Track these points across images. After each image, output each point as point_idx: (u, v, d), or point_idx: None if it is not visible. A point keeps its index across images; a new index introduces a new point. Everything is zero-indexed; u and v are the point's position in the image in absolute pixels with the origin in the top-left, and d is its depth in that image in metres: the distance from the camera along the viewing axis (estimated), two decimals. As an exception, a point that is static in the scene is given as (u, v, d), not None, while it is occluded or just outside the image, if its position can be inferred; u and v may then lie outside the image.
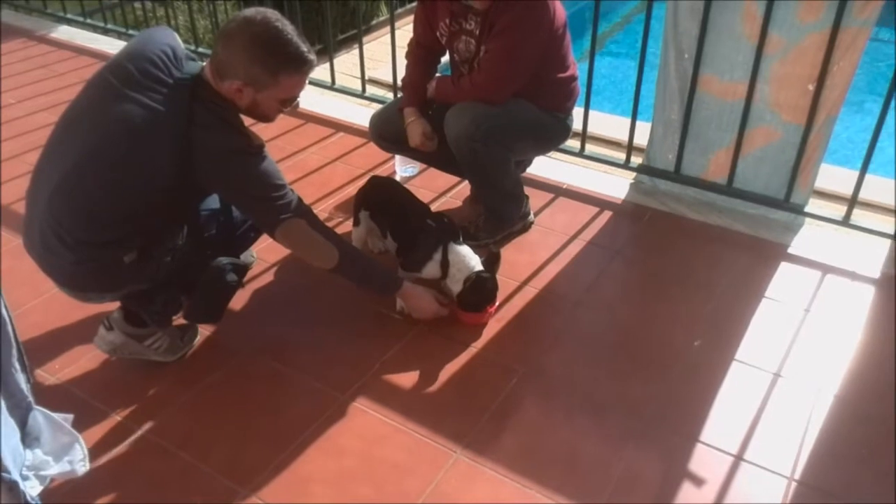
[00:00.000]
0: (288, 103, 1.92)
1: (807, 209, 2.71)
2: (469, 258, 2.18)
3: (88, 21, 4.58)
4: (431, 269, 2.20)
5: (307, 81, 1.92)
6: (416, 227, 2.24)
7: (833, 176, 3.03)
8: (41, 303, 2.31)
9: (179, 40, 1.92)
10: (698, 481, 1.78)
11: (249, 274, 2.38)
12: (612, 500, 1.73)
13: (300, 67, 1.84)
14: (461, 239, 2.24)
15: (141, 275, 1.92)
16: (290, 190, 1.93)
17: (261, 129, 2.99)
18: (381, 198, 2.38)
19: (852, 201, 2.63)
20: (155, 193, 1.83)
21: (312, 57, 1.85)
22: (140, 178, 1.80)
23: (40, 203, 1.86)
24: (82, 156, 1.81)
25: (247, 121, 1.91)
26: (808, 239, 2.65)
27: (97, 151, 1.80)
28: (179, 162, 1.78)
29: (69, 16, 4.65)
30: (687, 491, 1.76)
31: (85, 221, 1.82)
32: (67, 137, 1.87)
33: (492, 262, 2.21)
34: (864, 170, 2.54)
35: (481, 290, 2.18)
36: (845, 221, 2.66)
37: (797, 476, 1.79)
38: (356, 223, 2.40)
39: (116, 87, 1.81)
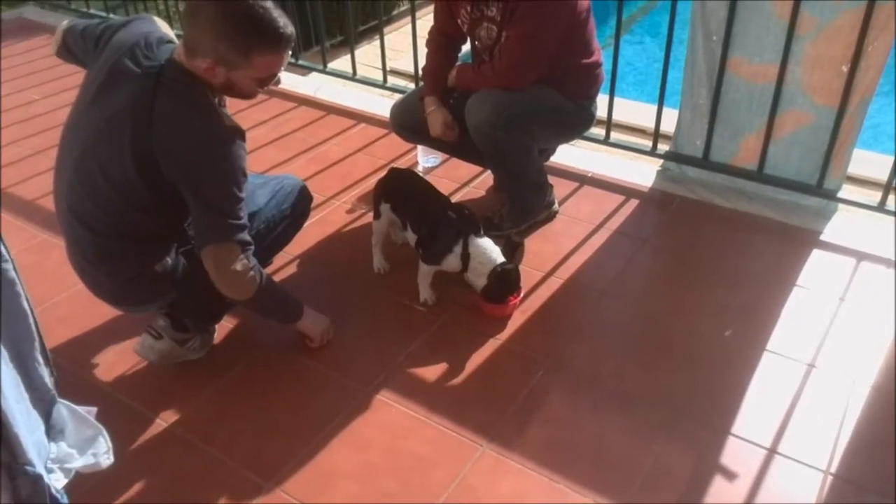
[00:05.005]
0: (266, 82, 1.77)
1: (840, 195, 2.63)
2: (490, 251, 2.15)
3: (112, 16, 4.60)
4: (452, 262, 2.17)
5: (287, 58, 1.75)
6: (436, 219, 2.21)
7: (867, 161, 2.94)
8: (66, 298, 2.32)
9: (159, 25, 1.85)
10: (730, 475, 1.74)
11: (272, 266, 2.37)
12: (640, 494, 1.70)
13: (274, 46, 1.68)
14: (482, 231, 2.20)
15: (168, 282, 1.90)
16: (244, 206, 1.77)
17: (280, 122, 2.98)
18: (401, 190, 2.35)
19: (887, 186, 2.55)
20: (137, 198, 1.76)
21: (289, 31, 1.68)
22: (115, 184, 1.74)
23: (62, 223, 1.88)
24: (71, 173, 1.80)
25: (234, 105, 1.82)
26: (842, 225, 2.58)
27: (79, 168, 1.78)
28: (141, 156, 1.69)
29: (92, 11, 4.68)
30: (718, 485, 1.71)
31: (90, 236, 1.82)
32: (62, 155, 1.87)
33: (512, 250, 2.18)
34: (900, 154, 2.47)
35: (507, 281, 2.15)
36: (880, 207, 2.58)
37: (833, 470, 1.74)
38: (377, 216, 2.38)
39: (92, 92, 1.77)
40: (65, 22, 2.02)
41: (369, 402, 1.96)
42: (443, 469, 1.77)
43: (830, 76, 2.43)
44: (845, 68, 2.39)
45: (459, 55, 2.56)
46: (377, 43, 3.65)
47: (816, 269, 2.39)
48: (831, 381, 1.97)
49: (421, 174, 2.69)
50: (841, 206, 2.65)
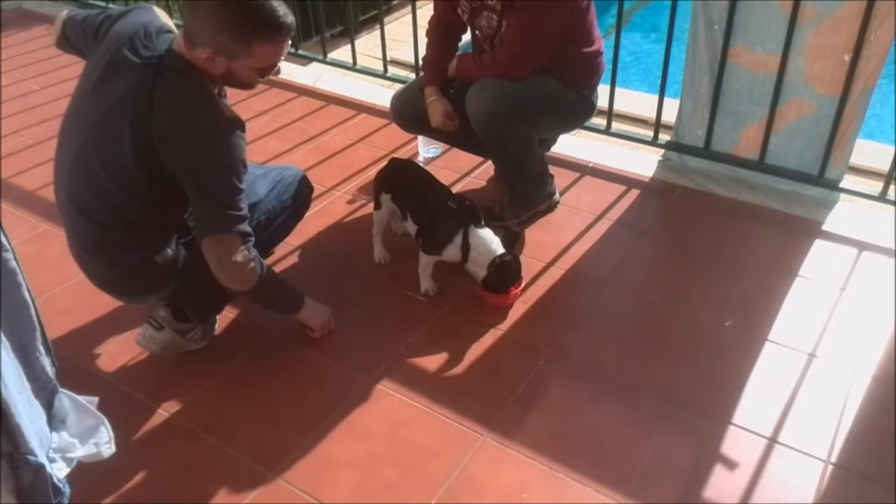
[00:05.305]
0: (267, 72, 1.76)
1: (842, 185, 2.63)
2: (490, 241, 2.15)
3: (111, 6, 4.58)
4: (452, 253, 2.17)
5: (287, 48, 1.75)
6: (437, 210, 2.21)
7: (868, 150, 2.93)
8: (67, 288, 2.32)
9: (158, 15, 1.84)
10: (731, 465, 1.74)
11: (273, 257, 2.37)
12: (641, 483, 1.70)
13: (275, 35, 1.68)
14: (482, 222, 2.20)
15: (169, 272, 1.90)
16: (244, 197, 1.76)
17: (280, 113, 2.97)
18: (401, 180, 2.35)
19: (889, 176, 2.54)
20: (137, 189, 1.75)
21: (289, 21, 1.68)
22: (114, 174, 1.74)
23: (62, 213, 1.88)
24: (71, 164, 1.79)
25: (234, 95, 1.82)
26: (843, 215, 2.58)
27: (78, 158, 1.78)
28: (141, 147, 1.69)
29: (91, 0, 4.66)
30: (719, 475, 1.72)
31: (90, 226, 1.82)
32: (62, 145, 1.86)
33: (511, 240, 2.18)
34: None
35: (506, 273, 2.15)
36: (882, 197, 2.58)
37: (833, 459, 1.74)
38: (377, 206, 2.37)
39: (91, 83, 1.77)
40: (64, 12, 2.01)
41: (370, 392, 1.96)
42: (444, 458, 1.77)
43: (832, 66, 2.42)
44: (847, 58, 2.38)
45: (460, 45, 2.55)
46: (377, 33, 3.64)
47: (818, 258, 2.39)
48: (832, 371, 1.98)
49: (421, 164, 2.68)
50: (842, 195, 2.65)
